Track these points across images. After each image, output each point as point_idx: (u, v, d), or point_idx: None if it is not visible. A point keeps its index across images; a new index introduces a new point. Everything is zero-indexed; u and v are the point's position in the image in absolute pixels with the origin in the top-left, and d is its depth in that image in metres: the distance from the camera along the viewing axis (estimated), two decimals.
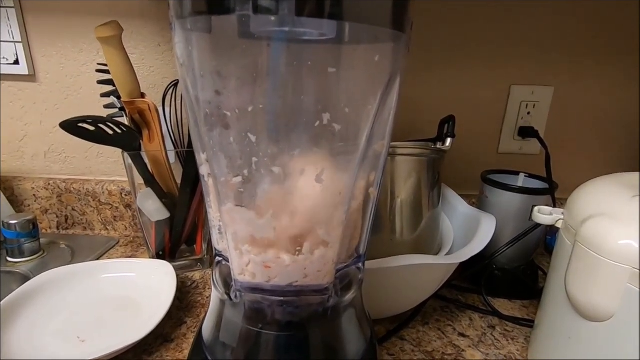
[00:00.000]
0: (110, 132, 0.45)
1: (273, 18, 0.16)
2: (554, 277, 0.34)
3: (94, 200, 0.67)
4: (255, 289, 0.22)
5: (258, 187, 0.19)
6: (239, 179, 0.19)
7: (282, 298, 0.22)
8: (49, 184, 0.67)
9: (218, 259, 0.26)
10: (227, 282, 0.24)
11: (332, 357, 0.24)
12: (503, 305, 0.50)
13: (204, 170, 0.24)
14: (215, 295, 0.25)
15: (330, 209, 0.20)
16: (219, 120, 0.18)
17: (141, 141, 0.49)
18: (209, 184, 0.25)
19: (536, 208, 0.37)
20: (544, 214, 0.35)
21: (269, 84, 0.18)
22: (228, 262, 0.24)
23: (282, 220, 0.19)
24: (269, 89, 0.17)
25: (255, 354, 0.23)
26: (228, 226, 0.21)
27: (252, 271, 0.21)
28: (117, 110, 0.51)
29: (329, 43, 0.18)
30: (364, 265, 0.27)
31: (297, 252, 0.20)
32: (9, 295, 0.43)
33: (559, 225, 0.34)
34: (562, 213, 0.34)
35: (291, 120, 0.18)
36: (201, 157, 0.24)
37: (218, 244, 0.25)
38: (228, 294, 0.24)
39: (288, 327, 0.23)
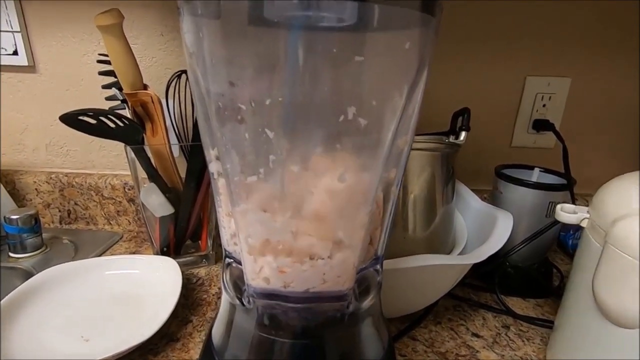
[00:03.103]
0: (112, 125, 0.44)
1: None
2: (577, 279, 0.33)
3: (96, 195, 0.66)
4: (269, 295, 0.20)
5: (275, 187, 0.18)
6: (254, 178, 0.18)
7: (298, 305, 0.20)
8: (51, 177, 0.65)
9: (228, 260, 0.24)
10: (238, 285, 0.23)
11: None
12: (516, 304, 0.49)
13: (213, 167, 0.22)
14: (225, 299, 0.24)
15: (352, 210, 0.18)
16: (233, 115, 0.17)
17: (144, 135, 0.47)
18: (219, 183, 0.23)
19: (559, 206, 0.35)
20: (568, 213, 0.34)
21: (287, 74, 0.16)
22: (239, 264, 0.23)
23: (301, 223, 0.18)
24: (288, 80, 0.16)
25: None
26: (241, 229, 0.19)
27: (267, 276, 0.20)
28: (119, 102, 0.50)
29: (353, 30, 0.16)
30: (382, 267, 0.25)
31: (315, 257, 0.19)
32: (12, 292, 0.42)
33: (583, 224, 0.33)
34: (588, 211, 0.33)
35: (313, 114, 0.16)
36: (211, 154, 0.22)
37: (228, 245, 0.24)
38: (239, 299, 0.22)
39: (303, 334, 0.21)
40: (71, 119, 0.39)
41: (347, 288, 0.21)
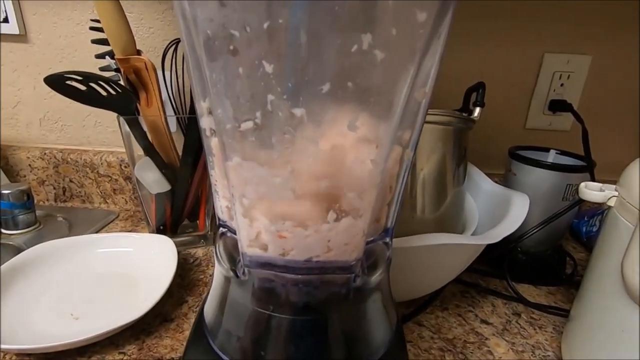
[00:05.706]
0: (104, 93, 0.41)
1: None
2: (601, 262, 0.30)
3: (92, 172, 0.64)
4: (266, 265, 0.18)
5: (274, 136, 0.15)
6: (250, 124, 0.15)
7: (298, 276, 0.18)
8: (45, 153, 0.63)
9: (222, 230, 0.22)
10: (232, 256, 0.21)
11: (353, 347, 0.20)
12: (527, 291, 0.47)
13: (205, 123, 0.20)
14: (218, 271, 0.22)
15: (364, 166, 0.16)
16: (224, 45, 0.14)
17: (138, 105, 0.44)
18: (211, 142, 0.20)
19: (582, 184, 0.32)
20: (593, 190, 0.31)
21: None
22: (234, 234, 0.20)
23: (303, 178, 0.15)
24: None
25: (265, 340, 0.19)
26: (235, 187, 0.17)
27: (264, 242, 0.17)
28: (113, 73, 0.47)
29: None
30: (391, 240, 0.23)
31: (320, 220, 0.16)
32: None
33: (611, 203, 0.30)
34: (615, 189, 0.30)
35: (321, 42, 0.13)
36: (202, 107, 0.19)
37: (222, 212, 0.21)
38: (234, 270, 0.20)
39: (304, 310, 0.19)
40: (58, 82, 0.37)
41: (354, 258, 0.18)
